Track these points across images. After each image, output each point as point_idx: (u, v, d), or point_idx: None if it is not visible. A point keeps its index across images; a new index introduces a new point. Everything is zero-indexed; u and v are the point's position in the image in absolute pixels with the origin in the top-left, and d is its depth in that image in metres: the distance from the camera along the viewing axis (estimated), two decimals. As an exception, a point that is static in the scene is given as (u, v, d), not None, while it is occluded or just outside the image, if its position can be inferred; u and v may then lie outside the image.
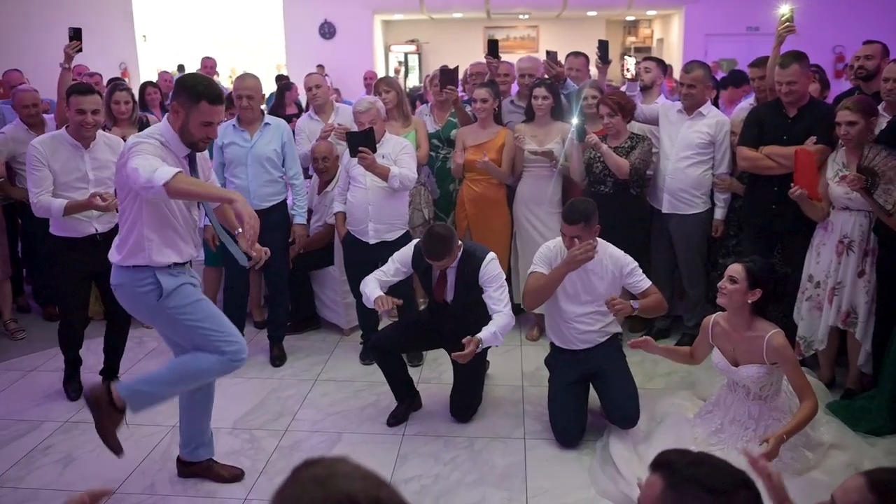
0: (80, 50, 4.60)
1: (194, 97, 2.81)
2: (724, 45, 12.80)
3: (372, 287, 3.67)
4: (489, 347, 3.84)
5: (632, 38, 16.95)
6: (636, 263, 3.61)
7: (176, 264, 2.97)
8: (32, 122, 4.85)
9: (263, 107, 9.58)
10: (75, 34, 4.58)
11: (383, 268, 3.79)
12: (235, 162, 4.38)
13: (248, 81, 4.43)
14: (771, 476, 1.93)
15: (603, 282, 3.58)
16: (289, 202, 4.68)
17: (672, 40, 14.41)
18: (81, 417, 3.89)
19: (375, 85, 5.08)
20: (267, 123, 4.43)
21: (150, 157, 2.68)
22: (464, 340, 3.42)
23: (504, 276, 3.69)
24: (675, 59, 12.53)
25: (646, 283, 3.60)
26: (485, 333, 3.48)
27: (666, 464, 1.39)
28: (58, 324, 4.15)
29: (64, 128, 3.89)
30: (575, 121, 4.51)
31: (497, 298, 3.61)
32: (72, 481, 3.30)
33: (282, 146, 4.43)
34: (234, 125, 4.42)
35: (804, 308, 3.97)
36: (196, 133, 2.85)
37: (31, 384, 4.31)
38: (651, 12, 15.32)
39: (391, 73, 14.68)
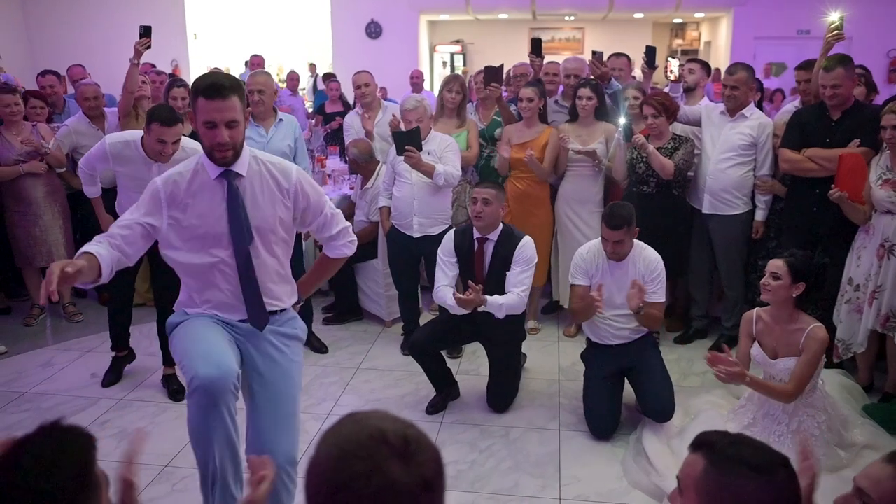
0: (150, 47, 4.75)
1: (192, 96, 2.38)
2: (773, 49, 12.64)
3: (446, 292, 3.78)
4: (523, 340, 3.95)
5: (679, 41, 16.82)
6: (663, 274, 3.64)
7: None
8: (93, 115, 5.11)
9: (310, 105, 9.78)
10: (145, 32, 4.73)
11: (440, 273, 3.90)
12: None
13: (259, 77, 4.62)
14: (813, 477, 1.88)
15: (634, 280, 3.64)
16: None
17: (720, 43, 14.27)
18: (135, 396, 4.10)
19: (448, 80, 5.11)
20: (281, 119, 4.58)
21: (128, 213, 2.44)
22: (470, 283, 3.59)
23: (535, 262, 3.80)
24: (722, 62, 12.41)
25: (658, 297, 3.61)
26: (493, 298, 3.65)
27: (708, 443, 1.43)
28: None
29: (140, 138, 3.85)
30: (622, 121, 4.56)
31: (518, 280, 3.73)
32: (127, 454, 3.48)
33: (294, 141, 4.57)
34: None
35: (843, 311, 3.97)
36: (204, 139, 2.39)
37: (88, 364, 4.52)
38: (699, 14, 15.19)
39: (437, 74, 14.85)
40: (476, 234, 3.86)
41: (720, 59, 13.04)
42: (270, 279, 2.52)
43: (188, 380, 2.39)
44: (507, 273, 3.77)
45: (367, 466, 1.03)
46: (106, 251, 2.26)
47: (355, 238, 2.79)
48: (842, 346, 3.99)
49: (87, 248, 2.27)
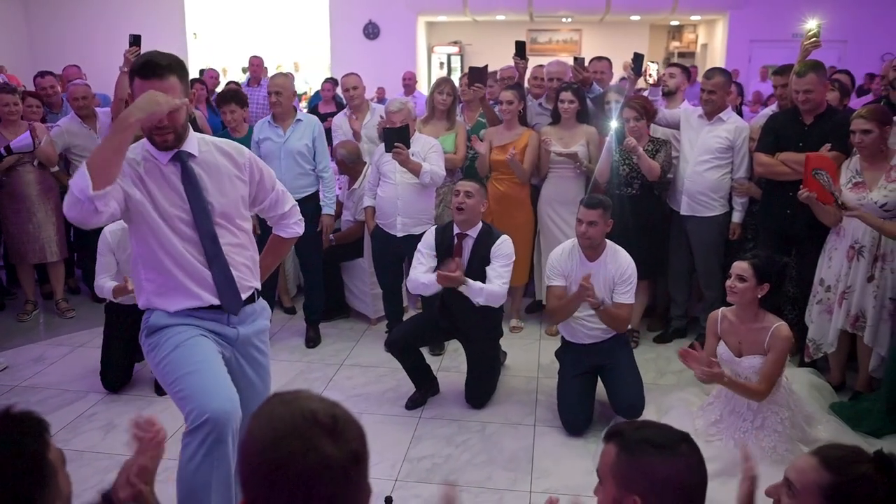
0: (139, 55, 4.88)
1: (130, 78, 2.29)
2: (768, 52, 12.72)
3: (425, 278, 3.85)
4: (500, 337, 4.05)
5: (676, 43, 16.88)
6: (634, 278, 3.72)
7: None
8: (84, 115, 5.23)
9: (304, 105, 9.88)
10: (135, 40, 4.87)
11: (416, 261, 4.00)
12: (270, 156, 4.64)
13: (277, 79, 4.78)
14: (752, 479, 1.97)
15: (605, 283, 3.74)
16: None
17: (716, 46, 14.34)
18: (123, 390, 4.20)
19: (439, 83, 5.20)
20: (299, 120, 4.69)
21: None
22: (453, 265, 3.66)
23: (513, 258, 3.90)
24: (718, 64, 12.46)
25: (625, 298, 3.70)
26: (475, 283, 3.72)
27: (617, 433, 1.57)
28: (104, 304, 4.40)
29: None
30: (615, 124, 4.65)
31: (499, 273, 3.82)
32: (112, 445, 3.59)
33: (312, 141, 4.69)
34: (269, 122, 4.70)
35: (815, 311, 4.05)
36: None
37: (79, 358, 4.62)
38: (695, 17, 15.26)
39: (434, 75, 14.92)
40: (456, 230, 3.95)
41: (716, 62, 13.11)
42: (243, 259, 2.49)
43: (192, 415, 2.23)
44: (487, 268, 3.85)
45: (301, 445, 1.11)
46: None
47: (302, 218, 2.79)
48: (813, 346, 4.08)
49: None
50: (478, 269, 3.89)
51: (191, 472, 2.24)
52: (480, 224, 3.96)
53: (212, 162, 2.41)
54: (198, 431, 2.22)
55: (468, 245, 3.93)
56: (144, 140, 2.35)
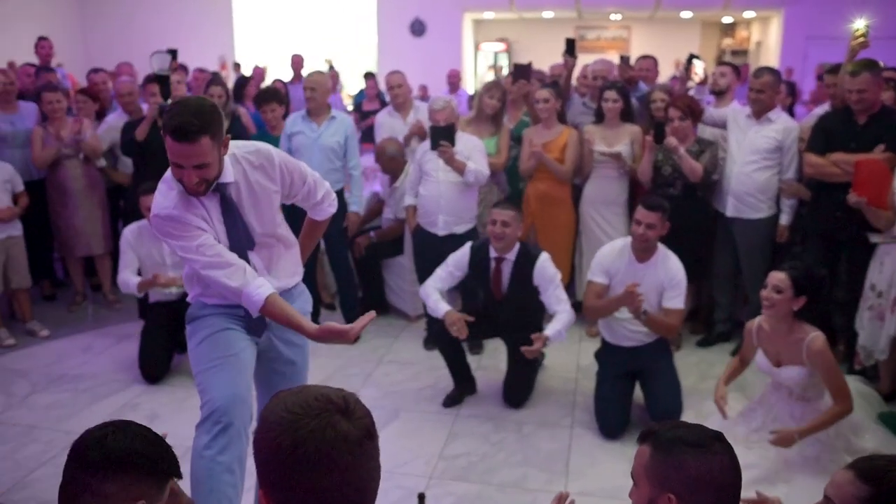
0: (176, 69, 5.04)
1: (164, 132, 2.22)
2: (825, 49, 12.34)
3: (435, 298, 3.92)
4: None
5: (728, 41, 16.54)
6: (684, 283, 3.68)
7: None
8: (130, 111, 5.37)
9: (349, 102, 9.96)
10: (172, 55, 5.03)
11: (438, 274, 4.02)
12: (302, 150, 4.70)
13: (312, 76, 4.87)
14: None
15: (653, 287, 3.69)
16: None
17: (771, 43, 14.02)
18: (165, 380, 4.29)
19: (490, 87, 5.15)
20: (333, 117, 4.76)
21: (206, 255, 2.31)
22: (533, 336, 3.64)
23: (559, 276, 3.88)
24: (773, 62, 12.20)
25: (675, 303, 3.65)
26: (551, 331, 3.70)
27: (651, 433, 1.60)
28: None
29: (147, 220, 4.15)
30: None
31: (557, 298, 3.82)
32: (154, 435, 3.67)
33: (345, 139, 4.76)
34: (303, 116, 4.76)
35: (866, 317, 3.94)
36: (172, 172, 2.28)
37: (125, 349, 4.72)
38: (749, 14, 14.93)
39: (480, 73, 14.92)
40: (493, 254, 3.94)
41: (771, 60, 12.81)
42: (284, 262, 2.61)
43: (203, 408, 2.39)
44: (542, 298, 3.86)
45: (320, 423, 1.18)
46: (262, 279, 2.37)
47: (335, 196, 2.79)
48: (863, 353, 3.96)
49: (266, 292, 2.31)
50: (519, 290, 3.89)
51: (196, 458, 2.38)
52: (518, 245, 3.93)
53: (246, 183, 2.41)
54: (205, 422, 2.39)
55: (507, 268, 3.93)
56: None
